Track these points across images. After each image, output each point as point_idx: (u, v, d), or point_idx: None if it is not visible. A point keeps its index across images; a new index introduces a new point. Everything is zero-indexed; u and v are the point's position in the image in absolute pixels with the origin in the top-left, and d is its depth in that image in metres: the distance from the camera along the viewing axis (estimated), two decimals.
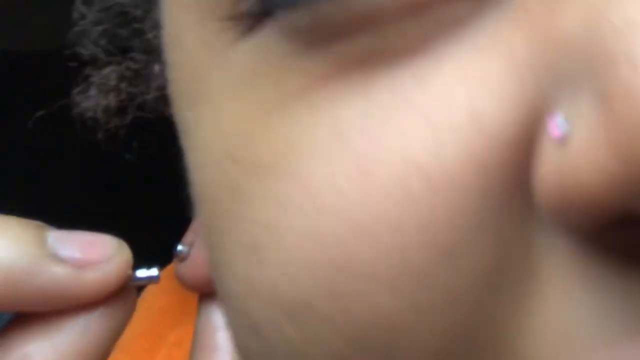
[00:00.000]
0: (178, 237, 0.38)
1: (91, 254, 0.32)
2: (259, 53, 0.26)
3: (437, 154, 0.22)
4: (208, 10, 0.27)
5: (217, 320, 0.37)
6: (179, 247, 0.36)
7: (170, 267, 0.39)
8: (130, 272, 0.33)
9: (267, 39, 0.26)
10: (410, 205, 0.22)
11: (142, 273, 0.34)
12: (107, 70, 0.39)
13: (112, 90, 0.39)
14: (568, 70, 0.21)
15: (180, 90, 0.29)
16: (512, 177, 0.22)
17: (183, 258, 0.36)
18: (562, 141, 0.20)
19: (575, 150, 0.20)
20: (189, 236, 0.36)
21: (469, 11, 0.23)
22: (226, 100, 0.27)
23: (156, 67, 0.37)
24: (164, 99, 0.39)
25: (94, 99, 0.39)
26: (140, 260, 0.33)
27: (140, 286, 0.35)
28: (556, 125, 0.21)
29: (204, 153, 0.27)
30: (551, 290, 0.22)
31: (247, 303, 0.25)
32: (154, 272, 0.34)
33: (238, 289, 0.25)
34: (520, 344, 0.22)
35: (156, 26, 0.37)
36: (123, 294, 0.33)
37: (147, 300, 0.50)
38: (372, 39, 0.24)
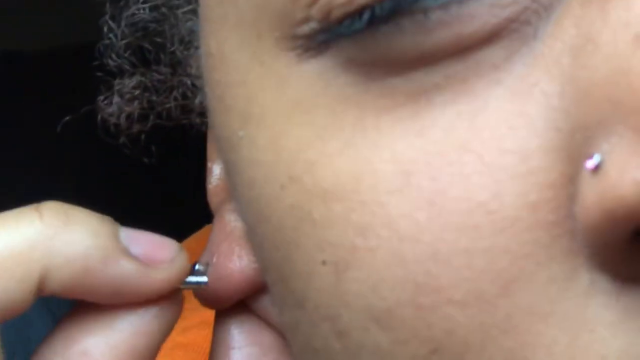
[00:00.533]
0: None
1: (157, 254, 0.34)
2: (316, 79, 0.29)
3: (495, 193, 0.26)
4: (266, 30, 0.29)
5: (232, 339, 0.38)
6: (197, 266, 0.37)
7: None
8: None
9: (325, 66, 0.29)
10: (476, 236, 0.26)
11: (192, 278, 0.36)
12: (131, 81, 0.42)
13: (135, 98, 0.42)
14: (598, 114, 0.24)
15: (229, 108, 0.32)
16: (558, 210, 0.25)
17: (204, 289, 0.37)
18: (597, 170, 0.24)
19: (611, 172, 0.24)
20: (205, 255, 0.37)
21: (503, 57, 0.26)
22: (284, 124, 0.30)
23: (185, 80, 0.40)
24: (182, 108, 0.42)
25: (117, 106, 0.42)
26: None
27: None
28: (591, 159, 0.25)
29: (262, 172, 0.30)
30: (595, 320, 0.25)
31: (334, 311, 0.29)
32: (203, 278, 0.36)
33: (322, 299, 0.29)
34: None
35: (181, 41, 0.40)
36: (173, 296, 0.35)
37: None
38: (422, 76, 0.27)
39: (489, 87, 0.27)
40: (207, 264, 0.37)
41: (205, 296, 0.37)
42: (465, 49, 0.27)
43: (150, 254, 0.34)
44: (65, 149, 1.62)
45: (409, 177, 0.27)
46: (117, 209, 0.37)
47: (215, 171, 0.39)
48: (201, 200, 0.44)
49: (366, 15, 0.27)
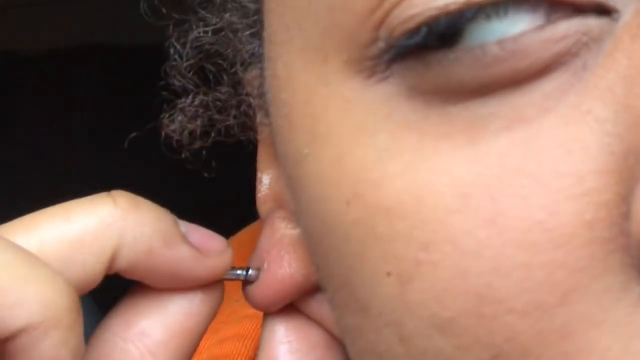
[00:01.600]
0: None
1: (210, 245, 0.38)
2: (380, 105, 0.31)
3: (553, 212, 0.28)
4: (333, 53, 0.32)
5: (279, 335, 0.40)
6: (250, 271, 0.40)
7: None
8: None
9: (389, 93, 0.31)
10: (535, 252, 0.28)
11: (234, 271, 0.39)
12: (194, 100, 0.44)
13: (197, 116, 0.44)
14: None
15: (295, 126, 0.34)
16: (612, 228, 0.28)
17: (252, 281, 0.40)
18: None
19: None
20: (255, 259, 0.40)
21: (555, 87, 0.29)
22: (348, 144, 0.32)
23: (245, 99, 0.43)
24: (241, 126, 0.44)
25: (180, 123, 0.44)
26: None
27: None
28: None
29: (328, 188, 0.33)
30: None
31: (398, 318, 0.31)
32: (244, 272, 0.39)
33: (386, 307, 0.31)
34: None
35: (242, 63, 0.43)
36: (217, 285, 0.39)
37: None
38: (478, 106, 0.30)
39: (541, 116, 0.29)
40: (258, 269, 0.40)
41: (257, 300, 0.40)
42: (519, 81, 0.29)
43: (204, 243, 0.38)
44: (65, 148, 1.63)
45: (468, 198, 0.29)
46: None
47: (265, 181, 0.41)
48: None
49: (423, 30, 0.30)
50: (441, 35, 0.30)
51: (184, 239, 0.37)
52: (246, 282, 0.40)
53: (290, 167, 0.36)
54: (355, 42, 0.31)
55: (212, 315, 0.39)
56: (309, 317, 0.40)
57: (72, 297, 0.33)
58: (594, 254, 0.28)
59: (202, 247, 0.38)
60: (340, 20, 0.31)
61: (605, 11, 0.29)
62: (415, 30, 0.30)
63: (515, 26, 0.29)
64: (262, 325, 0.41)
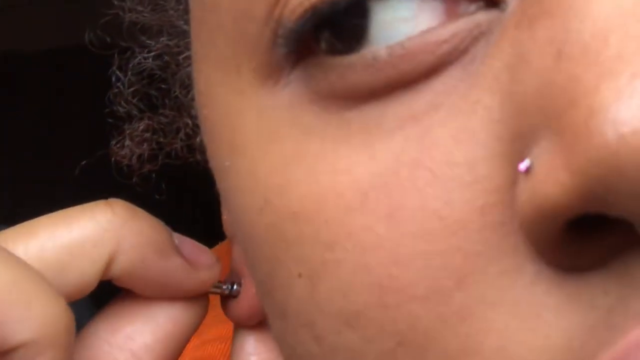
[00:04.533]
0: None
1: (201, 258, 0.39)
2: (287, 111, 0.32)
3: (447, 201, 0.29)
4: (244, 63, 0.33)
5: (249, 348, 0.41)
6: (235, 287, 0.40)
7: None
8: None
9: (294, 98, 0.32)
10: (432, 240, 0.29)
11: (219, 285, 0.40)
12: (140, 124, 0.45)
13: (145, 141, 0.45)
14: (530, 123, 0.27)
15: (217, 141, 0.35)
16: (504, 212, 0.28)
17: (235, 296, 0.41)
18: (528, 172, 0.27)
19: (538, 173, 0.27)
20: (231, 276, 0.41)
21: (444, 83, 0.30)
22: (260, 152, 0.33)
23: (187, 121, 0.44)
24: (188, 148, 0.45)
25: (129, 148, 0.45)
26: None
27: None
28: (524, 163, 0.27)
29: (244, 198, 0.34)
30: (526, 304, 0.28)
31: (311, 318, 0.32)
32: (227, 286, 0.40)
33: (300, 307, 0.32)
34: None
35: (182, 85, 0.44)
36: (202, 297, 0.40)
37: None
38: (371, 109, 0.31)
39: (432, 111, 0.30)
40: (240, 284, 0.41)
41: (235, 314, 0.41)
42: (407, 83, 0.30)
43: (195, 257, 0.39)
44: (65, 149, 1.63)
45: (367, 196, 0.30)
46: None
47: None
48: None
49: (309, 14, 0.30)
50: (345, 38, 0.30)
51: (177, 250, 0.38)
52: (229, 296, 0.41)
53: (218, 181, 0.37)
54: (260, 48, 0.32)
55: (198, 324, 0.40)
56: None
57: (71, 318, 0.34)
58: (488, 239, 0.29)
59: (193, 260, 0.39)
60: (245, 28, 0.32)
61: (493, 3, 0.29)
62: (303, 15, 0.30)
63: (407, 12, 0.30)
64: (233, 338, 0.42)
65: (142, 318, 0.39)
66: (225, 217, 0.41)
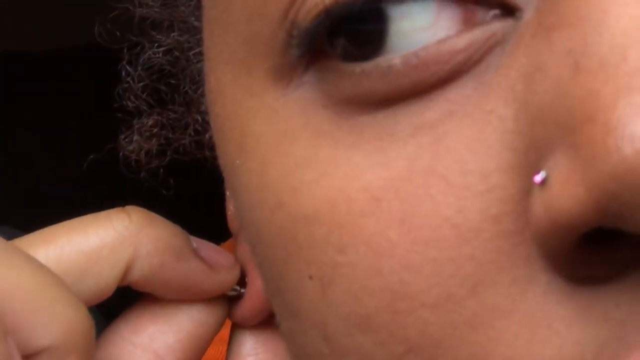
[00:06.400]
0: None
1: (219, 260, 0.40)
2: (299, 114, 0.32)
3: (460, 209, 0.29)
4: (256, 63, 0.33)
5: (247, 348, 0.42)
6: (240, 289, 0.41)
7: None
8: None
9: (307, 101, 0.32)
10: (444, 247, 0.29)
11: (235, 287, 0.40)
12: (149, 120, 0.45)
13: (153, 136, 0.45)
14: (545, 134, 0.27)
15: (227, 139, 0.35)
16: (517, 221, 0.28)
17: (239, 298, 0.41)
18: (543, 184, 0.27)
19: (554, 186, 0.27)
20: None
21: (458, 92, 0.30)
22: (272, 153, 0.33)
23: (197, 117, 0.43)
24: (196, 144, 0.45)
25: (137, 143, 0.45)
26: None
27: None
28: (539, 175, 0.27)
29: (255, 198, 0.34)
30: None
31: (321, 319, 0.32)
32: (242, 289, 0.41)
33: (311, 308, 0.32)
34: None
35: (192, 81, 0.44)
36: (220, 299, 0.40)
37: None
38: (385, 116, 0.31)
39: (446, 120, 0.30)
40: (243, 285, 0.41)
41: (241, 314, 0.41)
42: (421, 91, 0.30)
43: (214, 259, 0.39)
44: (65, 148, 1.63)
45: (379, 202, 0.30)
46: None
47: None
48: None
49: (324, 16, 0.30)
50: (362, 45, 0.30)
51: (196, 253, 0.39)
52: (237, 297, 0.41)
53: (228, 179, 0.37)
54: (274, 49, 0.32)
55: (219, 325, 0.41)
56: (275, 330, 0.41)
57: (91, 323, 0.35)
58: (501, 247, 0.29)
59: (211, 262, 0.39)
60: (259, 29, 0.32)
61: (509, 11, 0.29)
62: (318, 16, 0.30)
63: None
64: (230, 338, 0.42)
65: (165, 319, 0.39)
66: (230, 213, 0.41)
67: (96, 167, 0.53)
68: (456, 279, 0.29)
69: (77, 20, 1.58)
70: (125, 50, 0.45)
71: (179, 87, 0.44)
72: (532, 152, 0.28)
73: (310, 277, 0.32)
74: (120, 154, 0.45)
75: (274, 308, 0.36)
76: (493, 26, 0.29)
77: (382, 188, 0.30)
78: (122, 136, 0.45)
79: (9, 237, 0.36)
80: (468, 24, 0.30)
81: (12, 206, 1.38)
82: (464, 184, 0.29)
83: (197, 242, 0.39)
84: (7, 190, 1.52)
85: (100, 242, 0.37)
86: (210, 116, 0.37)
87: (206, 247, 0.40)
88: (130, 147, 0.45)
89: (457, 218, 0.29)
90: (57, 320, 0.33)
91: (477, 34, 0.29)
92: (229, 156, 0.35)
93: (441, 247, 0.29)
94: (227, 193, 0.42)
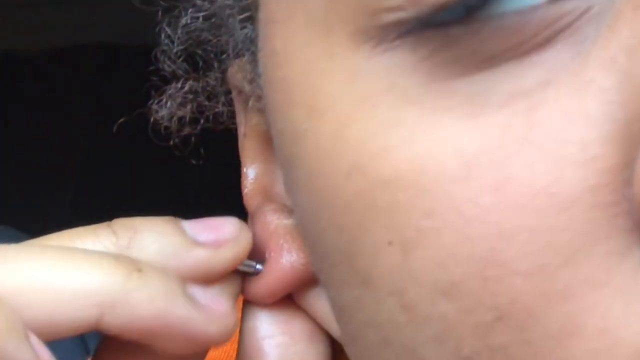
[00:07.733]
0: None
1: (222, 235, 0.38)
2: (383, 77, 0.31)
3: (557, 178, 0.29)
4: (338, 25, 0.32)
5: (264, 328, 0.40)
6: (258, 266, 0.39)
7: None
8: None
9: (394, 65, 0.31)
10: (540, 216, 0.29)
11: (248, 262, 0.38)
12: (184, 86, 0.44)
13: (187, 103, 0.44)
14: None
15: (295, 103, 0.34)
16: (615, 193, 0.28)
17: (256, 274, 0.39)
18: None
19: None
20: (256, 253, 0.39)
21: (556, 60, 0.29)
22: (349, 116, 0.32)
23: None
24: (230, 114, 0.44)
25: (169, 109, 0.44)
26: None
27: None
28: None
29: (326, 163, 0.33)
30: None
31: (400, 285, 0.31)
32: (258, 266, 0.39)
33: (388, 275, 0.31)
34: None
35: (233, 48, 0.42)
36: (234, 274, 0.38)
37: None
38: (479, 80, 0.30)
39: (543, 88, 0.29)
40: (262, 261, 0.39)
41: (259, 291, 0.39)
42: (519, 55, 0.30)
43: (216, 237, 0.37)
44: (64, 148, 1.63)
45: (471, 167, 0.30)
46: (121, 211, 0.39)
47: (251, 175, 0.41)
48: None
49: (461, 8, 0.30)
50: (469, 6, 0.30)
51: (194, 243, 0.37)
52: (253, 274, 0.39)
53: (287, 145, 0.35)
54: (365, 11, 0.31)
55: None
56: (289, 309, 0.40)
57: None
58: (597, 218, 0.28)
59: (215, 242, 0.37)
60: None
61: None
62: (447, 4, 0.30)
63: None
64: (243, 319, 0.40)
65: None
66: (247, 190, 0.40)
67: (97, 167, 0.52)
68: (551, 248, 0.28)
69: (77, 21, 1.58)
70: (159, 12, 0.44)
71: (217, 54, 0.43)
72: (635, 125, 0.28)
73: (390, 243, 0.31)
74: (151, 119, 0.44)
75: (334, 279, 0.35)
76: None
77: (474, 154, 0.30)
78: (153, 101, 0.44)
79: (12, 239, 0.35)
80: None
81: (12, 206, 1.38)
82: (561, 153, 0.29)
83: (192, 226, 0.37)
84: (7, 190, 1.51)
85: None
86: (269, 82, 0.36)
87: (204, 228, 0.37)
88: (162, 113, 0.44)
89: (554, 187, 0.29)
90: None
91: (577, 3, 0.29)
92: (293, 121, 0.34)
93: (537, 215, 0.29)
94: (244, 170, 0.40)
